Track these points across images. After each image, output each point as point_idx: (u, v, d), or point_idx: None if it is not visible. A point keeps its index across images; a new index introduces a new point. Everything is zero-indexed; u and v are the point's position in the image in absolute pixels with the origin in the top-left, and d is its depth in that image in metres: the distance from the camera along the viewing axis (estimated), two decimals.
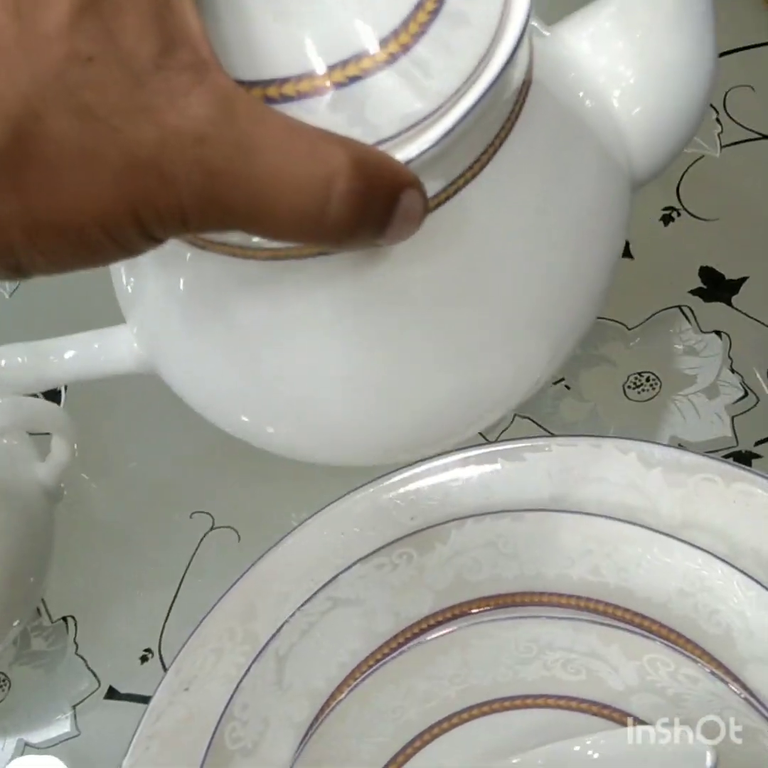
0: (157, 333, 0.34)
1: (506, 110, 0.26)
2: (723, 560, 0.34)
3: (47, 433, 0.37)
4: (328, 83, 0.23)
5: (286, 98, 0.24)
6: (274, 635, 0.35)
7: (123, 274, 0.35)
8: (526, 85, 0.27)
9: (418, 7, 0.24)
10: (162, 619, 0.40)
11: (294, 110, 0.24)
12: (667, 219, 0.43)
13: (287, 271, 0.27)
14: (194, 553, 0.41)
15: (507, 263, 0.28)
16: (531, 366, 0.31)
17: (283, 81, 0.24)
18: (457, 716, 0.34)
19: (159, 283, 0.32)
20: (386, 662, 0.34)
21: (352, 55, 0.23)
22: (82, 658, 0.40)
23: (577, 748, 0.32)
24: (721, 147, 0.43)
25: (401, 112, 0.24)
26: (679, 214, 0.42)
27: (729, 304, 0.41)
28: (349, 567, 0.35)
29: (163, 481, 0.42)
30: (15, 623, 0.38)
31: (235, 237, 0.26)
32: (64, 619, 0.40)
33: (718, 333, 0.40)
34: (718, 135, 0.43)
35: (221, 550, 0.41)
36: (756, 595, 0.33)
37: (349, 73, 0.23)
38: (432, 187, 0.25)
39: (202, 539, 0.41)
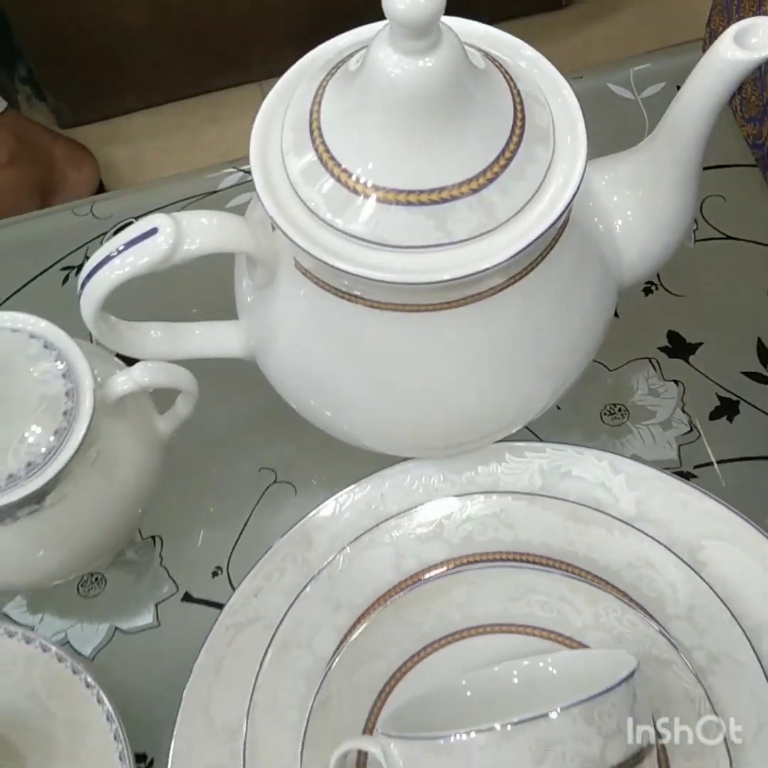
0: (265, 337, 0.46)
1: (554, 233, 0.40)
2: (663, 545, 0.46)
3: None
4: (428, 200, 0.37)
5: (401, 203, 0.37)
6: (327, 563, 0.47)
7: (245, 288, 0.46)
8: (567, 220, 0.40)
9: (495, 161, 0.37)
10: (230, 546, 0.51)
11: (403, 212, 0.37)
12: (647, 291, 0.55)
13: (393, 319, 0.40)
14: (258, 500, 0.52)
15: (539, 331, 0.42)
16: (545, 395, 0.45)
17: (406, 191, 0.37)
18: (459, 634, 0.46)
19: (276, 303, 0.44)
20: (411, 590, 0.46)
21: (446, 185, 0.37)
22: (166, 568, 0.51)
23: (541, 664, 0.44)
24: (695, 241, 0.56)
25: (471, 226, 0.37)
26: (657, 288, 0.55)
27: (687, 361, 0.54)
28: (388, 519, 0.48)
29: (238, 441, 0.54)
30: (121, 543, 0.49)
31: (358, 289, 0.39)
32: (153, 537, 0.52)
33: (676, 382, 0.53)
34: (694, 232, 0.56)
35: (281, 500, 0.52)
36: (684, 573, 0.46)
37: (443, 196, 0.37)
38: (498, 279, 0.39)
39: (265, 490, 0.53)
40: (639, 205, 0.45)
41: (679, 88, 0.41)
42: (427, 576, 0.46)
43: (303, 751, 0.43)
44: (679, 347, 0.54)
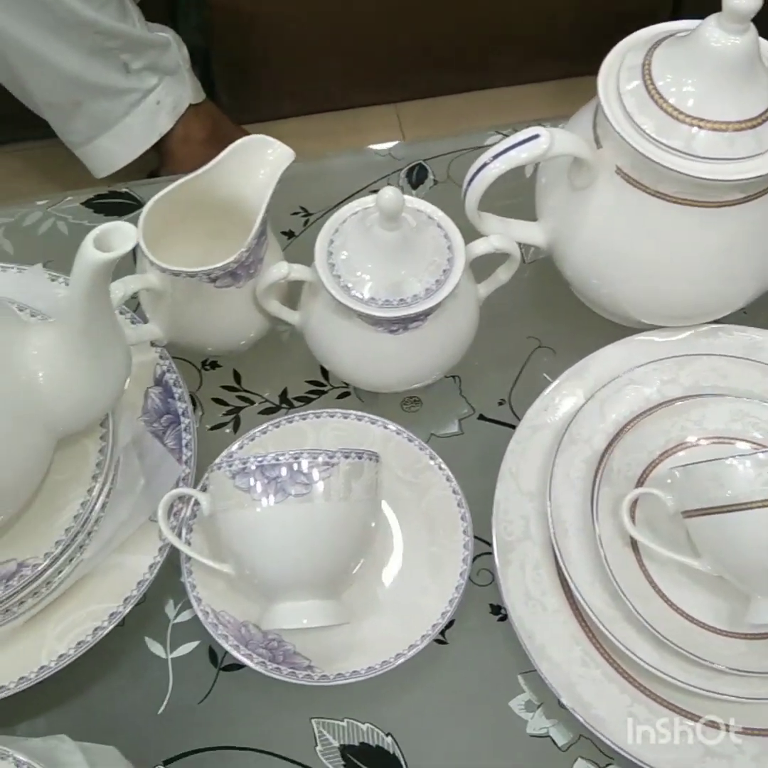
0: (570, 228, 0.66)
1: None
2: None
3: None
4: (725, 129, 0.58)
5: (708, 129, 0.58)
6: (598, 391, 0.66)
7: (554, 195, 0.67)
8: None
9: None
10: (510, 386, 0.71)
11: (709, 134, 0.58)
12: None
13: (681, 210, 0.60)
14: (528, 358, 0.72)
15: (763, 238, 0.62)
16: (756, 287, 0.65)
17: (713, 121, 0.58)
18: (695, 441, 0.66)
19: (592, 199, 0.64)
20: (661, 407, 0.66)
21: (735, 120, 0.58)
22: (464, 397, 0.71)
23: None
24: None
25: (749, 149, 0.58)
26: None
27: None
28: (636, 367, 0.67)
29: (510, 314, 0.74)
30: (449, 368, 0.68)
31: (664, 187, 0.60)
32: (453, 376, 0.71)
33: None
34: None
35: (544, 359, 0.72)
36: None
37: (734, 127, 0.58)
38: (753, 190, 0.59)
39: (531, 353, 0.72)
40: None
41: None
42: (670, 401, 0.66)
43: (593, 508, 0.62)
44: None
